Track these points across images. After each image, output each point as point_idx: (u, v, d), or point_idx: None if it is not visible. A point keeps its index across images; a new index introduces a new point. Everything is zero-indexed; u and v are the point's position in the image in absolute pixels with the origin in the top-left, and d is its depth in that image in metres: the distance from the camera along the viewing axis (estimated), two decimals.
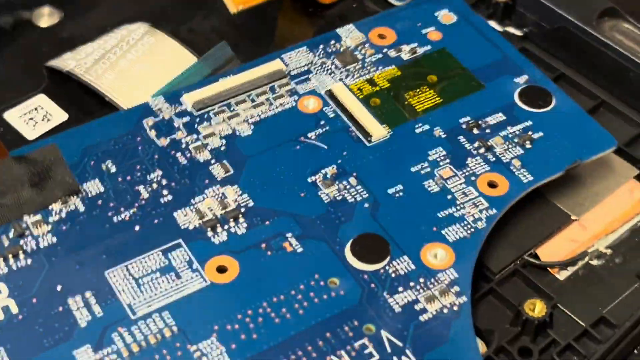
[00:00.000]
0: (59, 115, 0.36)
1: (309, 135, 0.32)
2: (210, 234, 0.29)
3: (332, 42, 0.36)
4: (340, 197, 0.30)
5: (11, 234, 0.29)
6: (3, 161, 0.31)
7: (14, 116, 0.36)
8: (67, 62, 0.37)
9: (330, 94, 0.34)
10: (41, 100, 0.36)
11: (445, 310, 0.27)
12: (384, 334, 0.26)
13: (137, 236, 0.29)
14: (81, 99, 0.36)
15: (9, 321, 0.27)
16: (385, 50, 0.36)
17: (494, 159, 0.31)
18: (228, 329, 0.27)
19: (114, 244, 0.29)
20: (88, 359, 0.26)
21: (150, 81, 0.36)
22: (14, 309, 0.27)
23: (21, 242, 0.29)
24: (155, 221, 0.29)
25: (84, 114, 0.36)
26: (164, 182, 0.30)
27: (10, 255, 0.28)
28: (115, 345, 0.26)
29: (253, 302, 0.27)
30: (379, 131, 0.32)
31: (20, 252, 0.28)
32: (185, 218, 0.29)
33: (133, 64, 0.36)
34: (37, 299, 0.27)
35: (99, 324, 0.27)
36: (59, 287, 0.28)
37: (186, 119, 0.33)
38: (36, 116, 0.35)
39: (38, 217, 0.29)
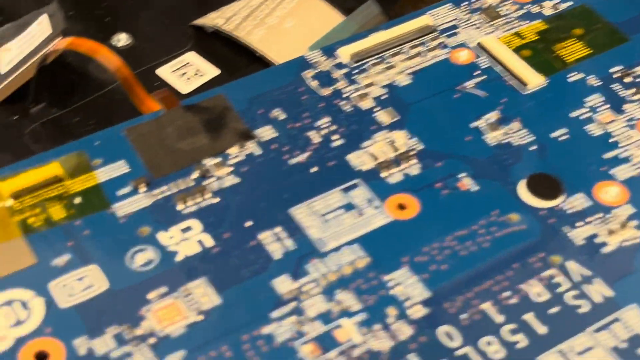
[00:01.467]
0: (211, 71, 0.37)
1: (466, 84, 0.33)
2: (384, 174, 0.30)
3: (474, 0, 0.37)
4: (506, 140, 0.31)
5: (195, 175, 0.30)
6: (176, 109, 0.32)
7: (167, 72, 0.37)
8: (214, 20, 0.38)
9: (481, 46, 0.35)
10: (191, 57, 0.37)
11: (627, 243, 0.28)
12: (571, 264, 0.27)
13: (315, 177, 0.30)
14: (229, 55, 0.38)
15: (205, 254, 0.28)
16: (527, 6, 0.36)
17: None
18: (416, 261, 0.28)
19: (294, 184, 0.30)
20: (286, 288, 0.27)
21: (298, 38, 0.37)
22: (209, 243, 0.28)
23: (205, 182, 0.30)
24: (330, 163, 0.30)
25: (234, 70, 0.37)
26: (332, 127, 0.32)
27: (198, 194, 0.29)
28: (312, 275, 0.27)
29: (437, 237, 0.28)
30: (535, 79, 0.33)
31: (207, 191, 0.29)
32: (359, 160, 0.30)
33: (281, 21, 0.37)
34: (230, 233, 0.28)
35: (292, 256, 0.28)
36: (248, 223, 0.29)
37: (344, 70, 0.34)
38: (188, 72, 0.37)
39: (218, 159, 0.30)
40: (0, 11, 0.38)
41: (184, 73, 0.37)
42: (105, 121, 0.33)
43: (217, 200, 0.29)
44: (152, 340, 0.26)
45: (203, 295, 0.27)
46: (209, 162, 0.30)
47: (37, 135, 0.34)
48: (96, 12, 0.39)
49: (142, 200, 0.29)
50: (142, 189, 0.29)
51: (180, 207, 0.29)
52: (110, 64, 0.32)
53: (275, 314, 0.26)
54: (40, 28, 0.35)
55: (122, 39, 0.38)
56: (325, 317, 0.26)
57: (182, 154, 0.31)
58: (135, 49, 0.38)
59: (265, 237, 0.28)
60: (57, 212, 0.29)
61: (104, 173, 0.30)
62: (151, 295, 0.27)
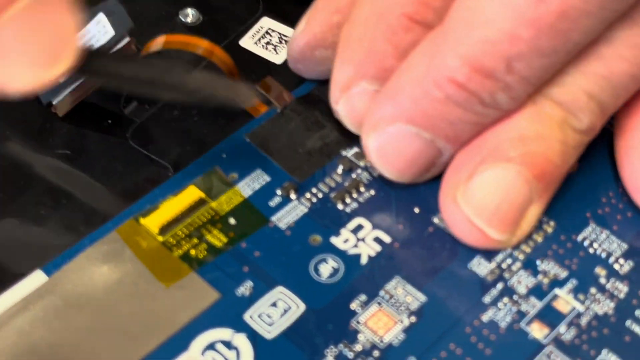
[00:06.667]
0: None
1: None
2: None
3: None
4: None
5: (340, 170, 0.29)
6: (291, 104, 0.30)
7: (250, 44, 0.35)
8: None
9: None
10: (266, 22, 0.35)
11: None
12: None
13: None
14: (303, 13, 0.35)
15: (388, 251, 0.27)
16: None
17: None
18: (599, 213, 0.28)
19: None
20: (485, 270, 0.27)
21: None
22: (386, 238, 0.27)
23: (354, 175, 0.29)
24: None
25: None
26: None
27: (353, 189, 0.28)
28: (505, 251, 0.27)
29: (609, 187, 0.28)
30: None
31: (360, 184, 0.29)
32: None
33: None
34: (402, 224, 0.28)
35: None
36: (416, 209, 0.28)
37: None
38: (272, 40, 0.35)
39: (356, 149, 0.29)
40: None
41: (268, 42, 0.35)
42: (207, 111, 0.32)
43: (372, 192, 0.28)
44: (376, 354, 0.25)
45: (405, 294, 0.26)
46: (349, 152, 0.29)
47: (141, 135, 0.32)
48: None
49: (298, 207, 0.28)
50: (293, 195, 0.28)
51: (340, 206, 0.28)
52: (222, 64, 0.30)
53: (487, 298, 0.26)
54: (99, 28, 0.32)
55: (190, 15, 0.35)
56: (538, 291, 0.26)
57: (317, 151, 0.29)
58: (206, 24, 0.35)
59: (440, 220, 0.28)
60: (217, 237, 0.28)
61: (246, 186, 0.29)
62: (353, 306, 0.26)
